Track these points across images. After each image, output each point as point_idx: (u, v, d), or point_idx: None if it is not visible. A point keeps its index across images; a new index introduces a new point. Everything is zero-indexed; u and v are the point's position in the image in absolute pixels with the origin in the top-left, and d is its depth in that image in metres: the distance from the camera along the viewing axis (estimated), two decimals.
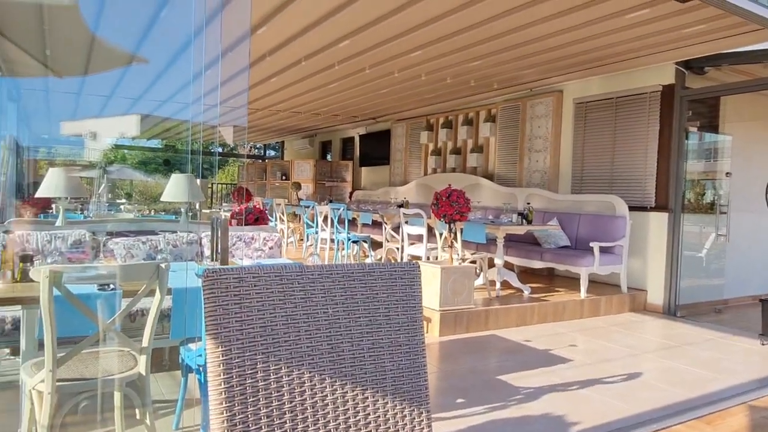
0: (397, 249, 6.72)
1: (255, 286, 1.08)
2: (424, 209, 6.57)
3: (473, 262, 5.54)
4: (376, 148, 11.50)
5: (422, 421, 1.22)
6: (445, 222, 4.94)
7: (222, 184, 15.69)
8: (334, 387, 1.14)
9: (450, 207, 4.82)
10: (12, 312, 2.87)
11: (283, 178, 13.48)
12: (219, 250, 2.74)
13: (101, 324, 2.12)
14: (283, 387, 1.08)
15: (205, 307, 1.03)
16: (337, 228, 7.34)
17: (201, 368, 2.29)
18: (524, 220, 5.99)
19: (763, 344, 4.74)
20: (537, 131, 7.53)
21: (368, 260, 7.37)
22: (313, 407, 1.11)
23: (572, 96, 7.12)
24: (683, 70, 5.96)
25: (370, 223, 8.02)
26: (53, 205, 4.51)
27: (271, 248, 4.32)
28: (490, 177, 8.33)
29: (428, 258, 5.97)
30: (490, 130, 8.27)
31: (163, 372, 3.39)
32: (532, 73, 6.56)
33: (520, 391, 3.36)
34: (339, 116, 10.48)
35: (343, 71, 6.59)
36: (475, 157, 8.60)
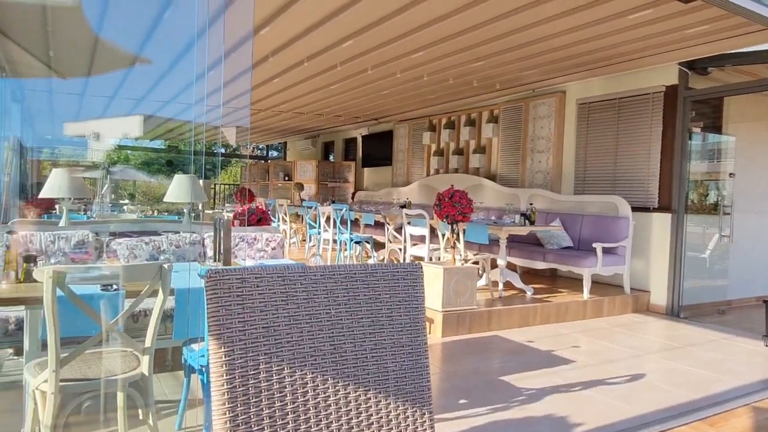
0: (400, 250, 6.72)
1: (257, 286, 1.08)
2: (426, 210, 6.57)
3: (476, 262, 5.53)
4: (378, 149, 11.50)
5: (425, 422, 1.22)
6: (448, 223, 4.94)
7: (225, 184, 15.71)
8: (337, 388, 1.14)
9: (452, 208, 4.82)
10: (15, 312, 2.88)
11: (286, 178, 13.49)
12: (222, 251, 2.75)
13: (104, 324, 2.13)
14: (286, 387, 1.08)
15: (207, 308, 1.03)
16: (339, 229, 7.34)
17: (204, 369, 2.29)
18: (527, 221, 5.98)
19: (766, 345, 4.73)
20: (540, 132, 7.52)
21: (371, 261, 7.37)
22: (315, 408, 1.11)
23: (575, 96, 7.11)
24: (686, 70, 5.95)
25: (373, 223, 8.02)
26: (57, 206, 4.52)
27: (273, 249, 4.33)
28: (492, 178, 8.32)
29: (431, 259, 5.97)
30: (493, 130, 8.27)
31: (166, 372, 3.39)
32: (534, 74, 6.55)
33: (523, 392, 3.36)
34: (341, 117, 10.48)
35: (345, 72, 6.59)
36: (478, 157, 8.59)
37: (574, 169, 7.11)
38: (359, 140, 12.35)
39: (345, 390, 1.14)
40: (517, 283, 5.74)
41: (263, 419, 1.05)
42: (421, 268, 1.29)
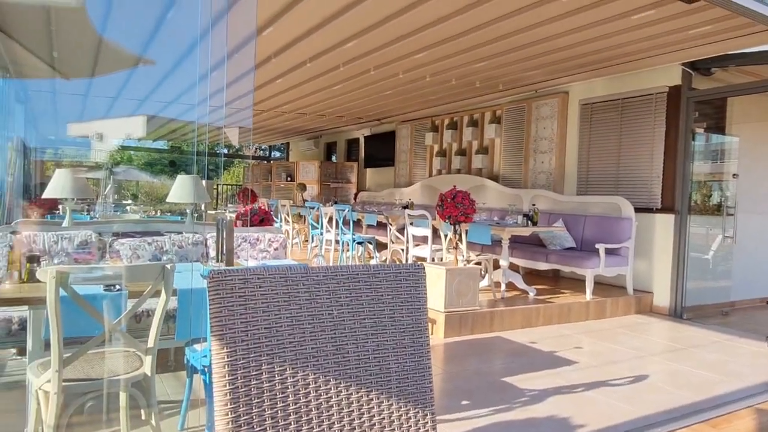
0: (402, 250, 6.72)
1: (260, 287, 1.08)
2: (428, 210, 6.57)
3: (478, 263, 5.53)
4: (380, 150, 11.50)
5: (427, 423, 1.22)
6: (450, 223, 4.93)
7: (227, 185, 15.73)
8: (339, 388, 1.14)
9: (455, 208, 4.82)
10: (19, 312, 2.89)
11: (288, 179, 13.50)
12: (224, 251, 2.75)
13: (107, 324, 2.13)
14: (288, 388, 1.08)
15: (210, 308, 1.04)
16: (341, 229, 7.35)
17: (206, 369, 2.29)
18: (529, 222, 5.97)
19: None
20: (542, 132, 7.51)
21: (373, 261, 7.37)
22: (317, 408, 1.11)
23: (578, 97, 7.10)
24: (690, 71, 5.94)
25: (375, 224, 8.02)
26: (60, 206, 4.53)
27: (276, 249, 4.33)
28: (495, 178, 8.31)
29: (433, 259, 5.97)
30: (495, 131, 8.26)
31: (168, 373, 3.40)
32: (537, 74, 6.55)
33: (525, 393, 3.35)
34: (344, 117, 10.49)
35: (348, 72, 6.60)
36: (480, 158, 8.59)
37: (576, 169, 7.10)
38: (362, 141, 12.35)
39: (347, 391, 1.14)
40: (520, 284, 5.74)
41: (265, 420, 1.05)
42: (424, 268, 1.29)
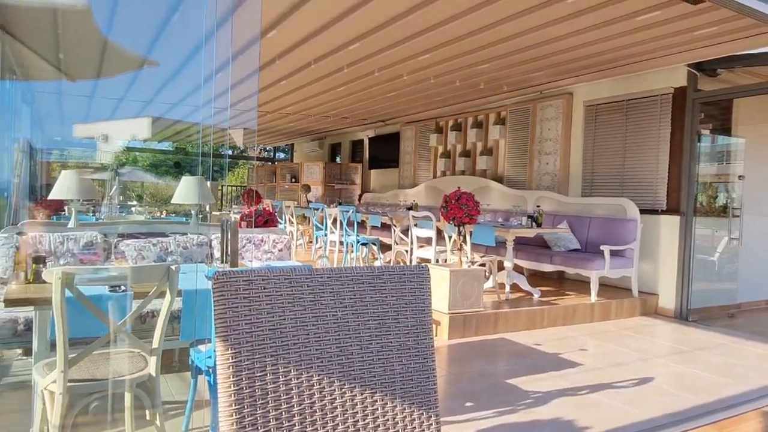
0: (406, 252, 6.71)
1: (264, 288, 1.08)
2: (433, 212, 6.56)
3: (482, 265, 5.52)
4: (385, 151, 11.51)
5: (431, 425, 1.22)
6: (455, 225, 4.93)
7: (232, 186, 15.78)
8: (343, 390, 1.14)
9: (459, 210, 4.81)
10: (25, 313, 2.90)
11: (293, 180, 13.52)
12: (229, 252, 2.76)
13: (112, 325, 2.14)
14: (292, 389, 1.08)
15: (214, 309, 1.04)
16: (346, 230, 7.35)
17: (210, 370, 2.30)
18: (534, 223, 5.96)
19: None
20: (547, 134, 7.50)
21: (377, 263, 7.37)
22: (321, 410, 1.11)
23: (582, 98, 7.08)
24: (695, 72, 5.91)
25: (379, 225, 8.02)
26: (66, 207, 4.55)
27: (280, 250, 4.34)
28: (499, 180, 8.30)
29: (437, 261, 5.96)
30: (500, 132, 8.25)
31: (172, 373, 3.40)
32: (542, 76, 6.53)
33: (530, 395, 3.34)
34: (348, 119, 10.50)
35: (352, 74, 6.61)
36: (485, 159, 8.58)
37: (581, 171, 7.08)
38: (366, 142, 12.36)
39: (351, 392, 1.14)
40: (524, 285, 5.72)
41: (269, 421, 1.05)
42: (428, 270, 1.29)
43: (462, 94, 7.74)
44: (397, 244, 7.05)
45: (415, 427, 1.20)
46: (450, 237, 5.44)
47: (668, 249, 6.02)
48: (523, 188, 7.81)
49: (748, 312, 6.55)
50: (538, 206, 6.70)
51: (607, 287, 6.29)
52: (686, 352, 4.57)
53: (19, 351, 3.41)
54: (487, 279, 5.69)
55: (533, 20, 4.50)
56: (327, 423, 1.11)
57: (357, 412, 1.14)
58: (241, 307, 1.05)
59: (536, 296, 5.67)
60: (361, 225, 8.18)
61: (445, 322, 4.64)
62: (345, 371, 1.14)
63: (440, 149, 9.71)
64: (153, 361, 2.22)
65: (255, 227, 4.61)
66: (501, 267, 5.78)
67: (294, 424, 1.07)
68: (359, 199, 12.11)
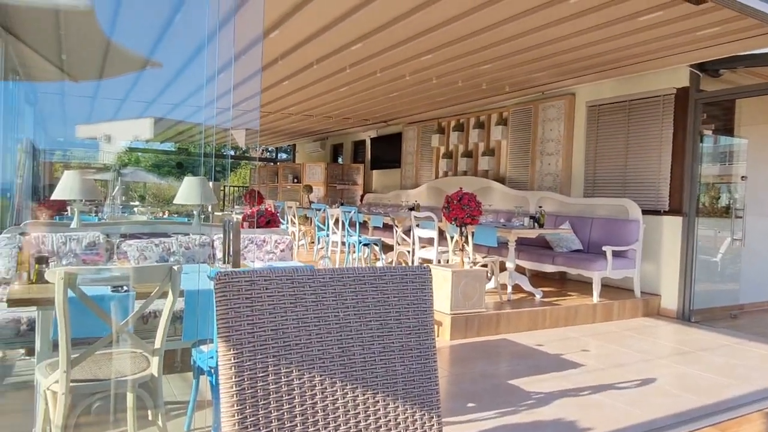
0: (408, 252, 6.71)
1: (266, 289, 1.08)
2: (435, 212, 6.56)
3: (484, 265, 5.51)
4: (387, 151, 11.51)
5: (433, 425, 1.22)
6: (457, 225, 4.93)
7: (234, 186, 15.79)
8: (345, 390, 1.14)
9: (461, 210, 4.81)
10: (27, 313, 2.91)
11: (295, 181, 13.53)
12: (231, 253, 2.76)
13: (114, 325, 2.14)
14: (294, 390, 1.08)
15: (216, 310, 1.04)
16: (348, 231, 7.35)
17: (212, 370, 2.30)
18: (536, 224, 5.96)
19: None
20: (549, 134, 7.49)
21: (379, 263, 7.37)
22: (323, 410, 1.11)
23: (585, 99, 7.07)
24: (698, 72, 5.90)
25: (381, 226, 8.02)
26: (68, 208, 4.56)
27: (282, 251, 4.34)
28: (501, 180, 8.29)
29: (439, 261, 5.96)
30: (502, 133, 8.25)
31: (175, 374, 3.41)
32: (544, 76, 6.53)
33: (532, 396, 3.34)
34: (350, 119, 10.50)
35: (354, 74, 6.61)
36: (487, 160, 8.57)
37: (583, 171, 7.08)
38: (368, 142, 12.36)
39: (353, 393, 1.14)
40: (526, 286, 5.72)
41: (271, 421, 1.05)
42: (430, 270, 1.29)
43: (464, 95, 7.74)
44: (399, 244, 7.05)
45: (417, 428, 1.20)
46: (452, 238, 5.44)
47: (671, 250, 6.01)
48: (525, 189, 7.81)
49: (751, 313, 6.53)
50: (540, 207, 6.69)
51: (610, 288, 6.28)
52: (689, 353, 4.56)
53: (22, 351, 3.41)
54: (489, 280, 5.68)
55: (535, 21, 4.50)
56: (329, 423, 1.11)
57: (359, 413, 1.14)
58: (243, 307, 1.05)
59: (538, 297, 5.66)
60: (363, 225, 8.18)
61: (447, 323, 4.63)
62: (347, 372, 1.14)
63: (442, 150, 9.71)
64: (155, 362, 2.22)
65: (257, 228, 4.61)
66: (503, 268, 5.78)
67: (296, 425, 1.07)
68: (361, 200, 12.11)
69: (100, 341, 2.11)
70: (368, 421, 1.15)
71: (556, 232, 6.28)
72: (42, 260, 2.72)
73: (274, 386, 1.06)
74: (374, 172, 12.28)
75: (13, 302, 2.41)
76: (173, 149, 13.28)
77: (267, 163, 16.28)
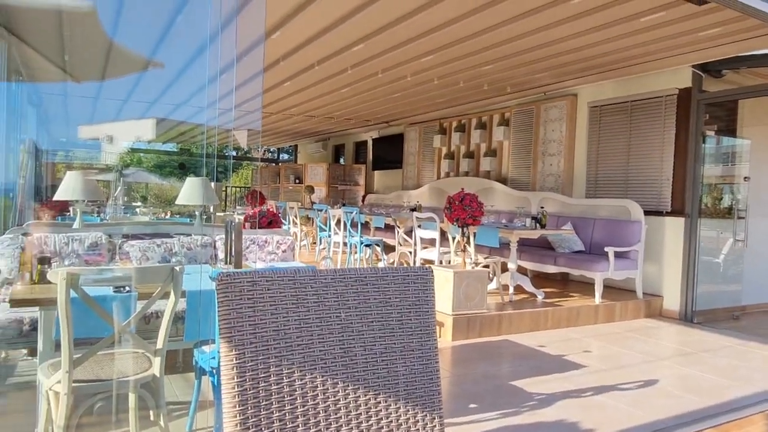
0: (410, 253, 6.71)
1: (268, 289, 1.08)
2: (436, 213, 6.56)
3: (486, 266, 5.51)
4: (389, 152, 11.51)
5: (435, 426, 1.22)
6: (458, 226, 4.93)
7: (236, 187, 15.80)
8: (347, 391, 1.14)
9: (463, 211, 4.81)
10: (30, 313, 2.92)
11: (297, 181, 13.54)
12: (233, 253, 2.76)
13: (116, 326, 2.15)
14: (296, 391, 1.08)
15: (218, 310, 1.04)
16: (349, 231, 7.35)
17: (214, 371, 2.30)
18: (538, 225, 5.95)
19: None
20: (551, 135, 7.49)
21: (381, 264, 7.37)
22: (325, 411, 1.11)
23: (587, 100, 7.07)
24: (700, 73, 5.90)
25: (383, 226, 8.02)
26: (71, 208, 4.57)
27: (284, 252, 4.34)
28: (503, 181, 8.29)
29: (441, 262, 5.96)
30: (504, 133, 8.24)
31: (176, 374, 3.41)
32: (546, 77, 6.53)
33: (534, 396, 3.34)
34: (352, 120, 10.51)
35: (356, 75, 6.61)
36: (489, 160, 8.57)
37: (585, 172, 7.07)
38: (370, 143, 12.37)
39: (355, 393, 1.14)
40: (528, 286, 5.71)
41: (273, 422, 1.05)
42: (432, 271, 1.29)
43: (466, 95, 7.74)
44: (400, 245, 7.05)
45: (418, 429, 1.20)
46: (454, 238, 5.44)
47: (673, 251, 6.00)
48: (527, 189, 7.80)
49: (753, 314, 6.52)
50: (542, 207, 6.69)
51: (612, 289, 6.27)
52: (691, 354, 4.55)
53: (25, 351, 3.42)
54: (491, 280, 5.68)
55: (537, 21, 4.50)
56: (331, 424, 1.11)
57: (361, 413, 1.14)
58: (245, 308, 1.05)
59: (540, 298, 5.66)
60: (365, 226, 8.18)
61: (448, 324, 4.63)
62: (349, 372, 1.14)
63: (444, 150, 9.71)
64: (157, 362, 2.22)
65: (259, 228, 4.62)
66: (505, 268, 5.78)
67: (298, 425, 1.07)
68: (363, 200, 12.11)
69: (102, 341, 2.12)
70: (370, 422, 1.15)
71: (558, 232, 6.27)
72: (44, 260, 2.72)
73: (275, 387, 1.06)
74: (376, 172, 12.28)
75: (15, 302, 2.41)
76: (175, 150, 13.30)
77: (269, 163, 16.29)
